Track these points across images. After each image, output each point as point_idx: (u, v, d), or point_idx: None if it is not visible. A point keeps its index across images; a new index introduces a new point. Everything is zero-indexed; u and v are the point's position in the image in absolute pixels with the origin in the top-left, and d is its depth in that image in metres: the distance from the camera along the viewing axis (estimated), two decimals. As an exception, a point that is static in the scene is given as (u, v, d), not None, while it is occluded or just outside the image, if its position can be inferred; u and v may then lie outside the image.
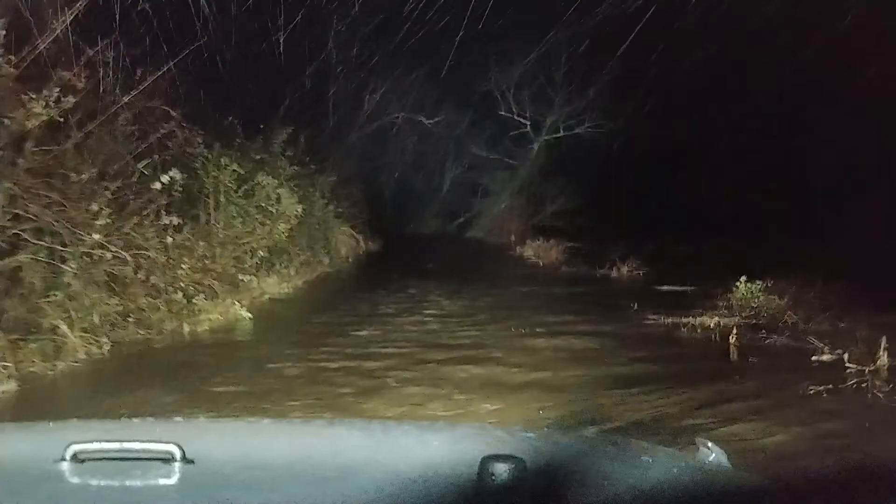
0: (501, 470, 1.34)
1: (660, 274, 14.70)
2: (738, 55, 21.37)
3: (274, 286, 13.95)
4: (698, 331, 9.62)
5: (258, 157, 15.63)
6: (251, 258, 13.71)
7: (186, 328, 10.00)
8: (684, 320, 9.92)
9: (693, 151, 24.33)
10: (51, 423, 1.87)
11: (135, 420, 2.23)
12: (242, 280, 12.96)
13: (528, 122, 30.84)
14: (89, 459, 1.47)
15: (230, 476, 1.53)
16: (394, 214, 31.23)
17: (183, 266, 11.69)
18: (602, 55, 26.33)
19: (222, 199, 13.73)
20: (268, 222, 14.81)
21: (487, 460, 1.36)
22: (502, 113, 30.64)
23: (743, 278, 11.04)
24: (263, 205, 14.74)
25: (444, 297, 12.72)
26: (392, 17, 24.96)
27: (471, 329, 10.21)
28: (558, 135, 30.69)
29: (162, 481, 1.44)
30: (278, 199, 15.34)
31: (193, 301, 10.78)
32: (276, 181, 15.45)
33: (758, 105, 22.36)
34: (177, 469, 1.45)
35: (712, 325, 9.68)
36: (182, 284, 11.11)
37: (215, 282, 12.19)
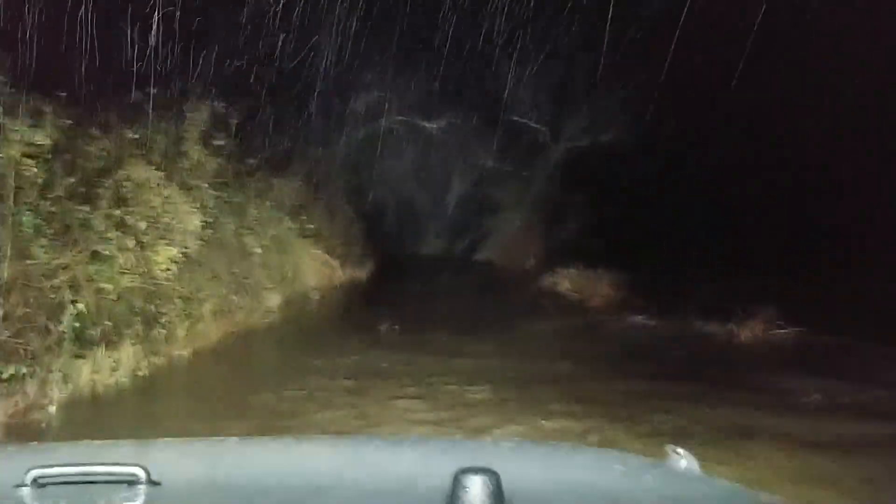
0: (475, 483, 1.15)
1: (835, 336, 7.05)
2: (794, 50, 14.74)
3: (100, 371, 6.24)
4: None
5: (134, 135, 7.94)
6: (58, 319, 6.01)
7: None
8: None
9: (766, 159, 16.78)
10: (10, 447, 1.74)
11: (97, 442, 1.60)
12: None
13: (546, 129, 23.48)
14: (51, 484, 1.25)
15: (198, 497, 1.33)
16: (393, 233, 23.91)
17: None
18: (632, 49, 19.60)
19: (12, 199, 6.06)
20: (130, 246, 7.11)
21: (460, 474, 1.17)
22: (515, 118, 23.15)
23: None
24: (119, 214, 7.08)
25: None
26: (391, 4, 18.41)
27: None
28: (581, 142, 23.22)
29: None
30: (163, 207, 7.62)
31: None
32: (160, 174, 7.73)
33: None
34: (142, 492, 1.25)
35: None
36: None
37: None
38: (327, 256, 14.58)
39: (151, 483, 1.24)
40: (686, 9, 16.52)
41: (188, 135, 9.69)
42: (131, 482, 1.24)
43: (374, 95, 19.79)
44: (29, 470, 1.23)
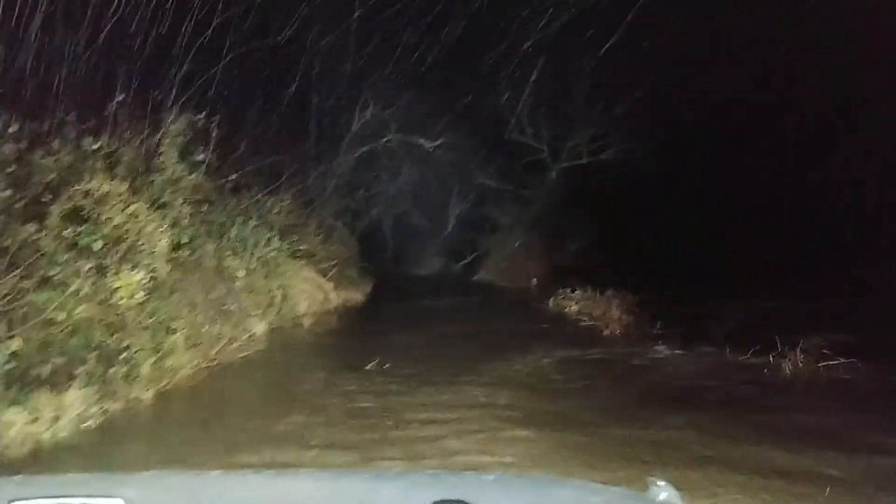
0: None
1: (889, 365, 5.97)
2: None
3: (37, 421, 5.12)
4: None
5: (95, 146, 6.93)
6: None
7: None
8: None
9: (778, 171, 15.78)
10: None
11: (78, 475, 1.59)
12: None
13: (545, 147, 22.59)
14: None
15: None
16: (389, 253, 22.91)
17: None
18: (632, 66, 18.90)
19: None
20: (85, 270, 6.04)
21: None
22: (514, 136, 22.24)
23: None
24: (71, 233, 6.01)
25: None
26: (387, 22, 17.72)
27: None
28: (580, 161, 22.30)
29: None
30: (128, 225, 6.56)
31: None
32: (124, 188, 6.69)
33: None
34: None
35: None
36: None
37: None
38: (320, 279, 13.49)
39: None
40: (689, 20, 15.80)
41: (163, 147, 8.65)
42: None
43: (370, 111, 18.84)
44: (10, 502, 1.20)
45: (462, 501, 1.20)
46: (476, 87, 20.25)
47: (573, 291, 13.16)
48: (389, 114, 19.11)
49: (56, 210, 6.19)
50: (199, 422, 5.70)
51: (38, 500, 1.24)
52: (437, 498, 1.21)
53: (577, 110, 21.39)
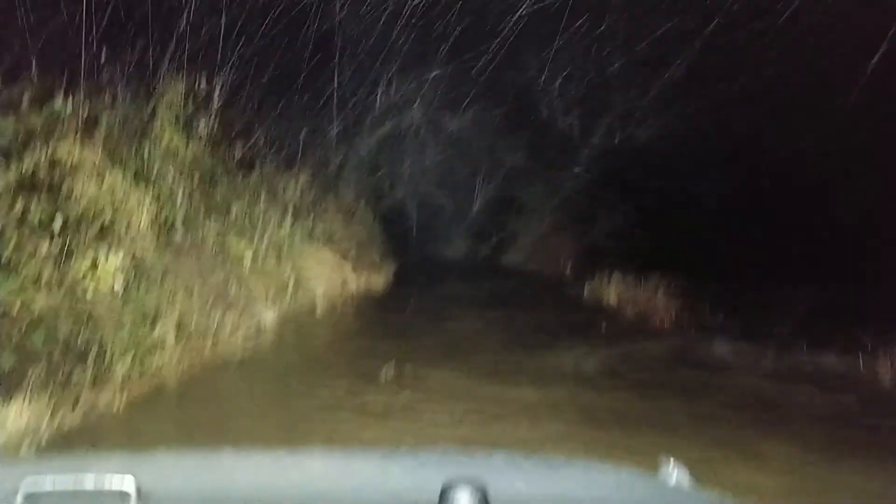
0: (462, 496, 1.13)
1: None
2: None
3: None
4: None
5: (68, 109, 5.71)
6: None
7: None
8: None
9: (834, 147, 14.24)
10: (3, 460, 1.58)
11: (90, 454, 1.68)
12: None
13: (577, 124, 21.15)
14: (44, 497, 1.20)
15: None
16: (413, 235, 21.76)
17: None
18: (670, 36, 17.22)
19: None
20: (44, 251, 4.84)
21: (449, 486, 1.15)
22: (545, 112, 20.80)
23: None
24: (21, 208, 4.82)
25: None
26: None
27: None
28: (615, 138, 20.83)
29: None
30: (102, 199, 5.35)
31: None
32: (98, 155, 5.47)
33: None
34: (134, 503, 1.20)
35: None
36: None
37: None
38: (339, 261, 12.33)
39: (143, 495, 1.18)
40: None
41: (157, 113, 7.49)
42: (123, 494, 1.18)
43: (393, 86, 17.54)
44: (22, 482, 1.18)
45: (474, 481, 1.11)
46: (505, 62, 18.83)
47: (611, 276, 11.87)
48: (414, 88, 17.79)
49: (5, 179, 5.04)
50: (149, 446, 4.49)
51: (51, 481, 1.16)
52: (448, 477, 1.13)
53: (611, 85, 19.91)
